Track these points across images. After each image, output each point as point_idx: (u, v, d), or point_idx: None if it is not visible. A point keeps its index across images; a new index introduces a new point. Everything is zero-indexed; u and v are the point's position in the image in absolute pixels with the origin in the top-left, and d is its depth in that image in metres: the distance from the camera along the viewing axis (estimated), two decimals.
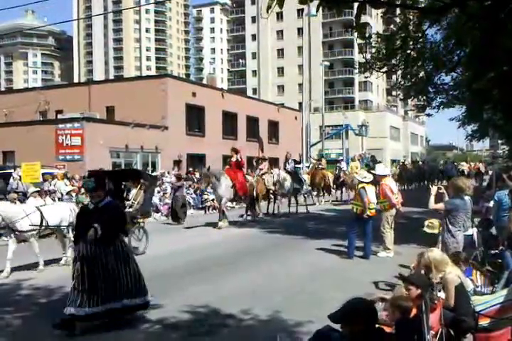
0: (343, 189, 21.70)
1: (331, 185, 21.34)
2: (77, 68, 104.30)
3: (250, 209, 15.62)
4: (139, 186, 10.11)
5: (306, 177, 19.66)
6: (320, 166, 21.06)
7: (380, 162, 23.19)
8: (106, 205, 5.64)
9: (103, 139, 22.32)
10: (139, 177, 10.31)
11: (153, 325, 5.51)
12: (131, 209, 9.79)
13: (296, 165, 18.54)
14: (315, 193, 20.71)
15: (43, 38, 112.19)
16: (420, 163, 34.38)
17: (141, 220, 10.28)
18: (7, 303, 6.37)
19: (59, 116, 25.52)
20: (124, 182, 10.09)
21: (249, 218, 15.55)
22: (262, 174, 16.79)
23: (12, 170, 15.98)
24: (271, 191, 16.89)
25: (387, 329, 3.93)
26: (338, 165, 22.95)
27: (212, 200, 17.87)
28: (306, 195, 19.55)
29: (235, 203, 18.01)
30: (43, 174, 15.98)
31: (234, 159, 14.85)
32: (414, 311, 4.03)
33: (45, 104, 28.41)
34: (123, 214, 6.26)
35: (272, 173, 16.67)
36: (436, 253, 4.92)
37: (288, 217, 16.21)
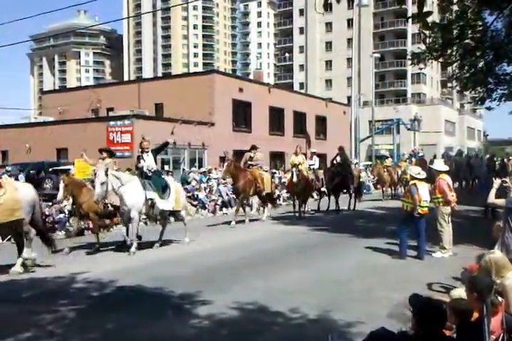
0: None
1: (267, 190, 14.36)
2: (127, 66, 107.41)
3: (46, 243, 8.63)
4: None
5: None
6: (251, 161, 14.20)
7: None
8: None
9: (152, 136, 22.73)
10: None
11: (202, 321, 5.49)
12: None
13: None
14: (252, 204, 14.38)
15: (94, 37, 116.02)
16: (444, 157, 31.49)
17: None
18: (62, 296, 6.55)
19: (110, 114, 26.28)
20: None
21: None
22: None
23: (70, 166, 16.52)
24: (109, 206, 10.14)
25: (447, 333, 3.79)
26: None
27: None
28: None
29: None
30: None
31: None
32: (475, 315, 3.85)
33: (97, 102, 29.28)
34: None
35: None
36: (498, 255, 4.66)
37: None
